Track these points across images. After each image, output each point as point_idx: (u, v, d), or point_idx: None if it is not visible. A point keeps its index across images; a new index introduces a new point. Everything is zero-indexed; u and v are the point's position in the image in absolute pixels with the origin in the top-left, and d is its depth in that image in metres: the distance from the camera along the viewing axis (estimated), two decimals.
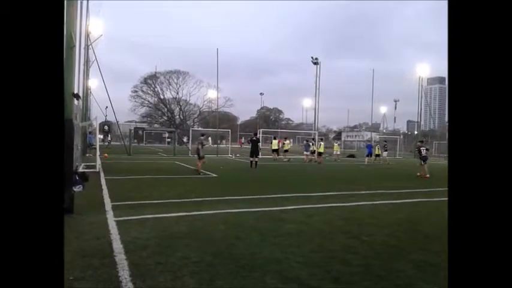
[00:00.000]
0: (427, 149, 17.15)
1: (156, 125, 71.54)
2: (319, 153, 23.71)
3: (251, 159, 17.78)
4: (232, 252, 4.43)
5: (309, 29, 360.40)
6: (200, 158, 14.33)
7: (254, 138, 19.04)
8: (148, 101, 71.70)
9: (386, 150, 27.60)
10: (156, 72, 69.87)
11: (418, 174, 15.92)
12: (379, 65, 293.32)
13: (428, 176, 15.21)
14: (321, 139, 26.65)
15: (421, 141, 19.56)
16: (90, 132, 24.93)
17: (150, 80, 70.30)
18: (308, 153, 24.36)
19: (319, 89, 35.90)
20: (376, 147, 27.87)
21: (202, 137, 15.37)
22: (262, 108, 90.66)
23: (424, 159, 16.03)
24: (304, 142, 26.57)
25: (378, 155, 26.74)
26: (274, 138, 27.05)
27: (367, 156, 25.37)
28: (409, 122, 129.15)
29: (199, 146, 14.60)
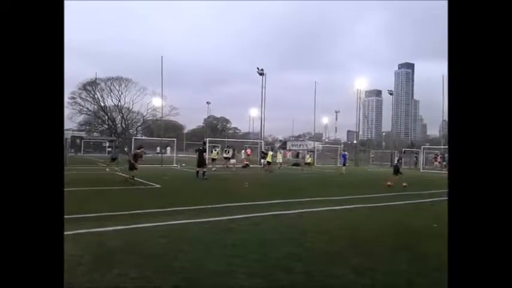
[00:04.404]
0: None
1: (95, 133, 67.56)
2: (226, 158, 26.20)
3: (198, 169, 17.38)
4: (173, 266, 4.26)
5: (263, 40, 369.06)
6: (133, 168, 14.38)
7: (201, 148, 18.75)
8: (88, 108, 67.60)
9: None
10: (96, 79, 66.30)
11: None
12: (326, 77, 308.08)
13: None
14: (228, 146, 28.78)
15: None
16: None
17: (90, 86, 66.42)
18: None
19: (265, 99, 36.51)
20: (308, 156, 29.75)
21: (139, 150, 15.81)
22: (209, 117, 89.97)
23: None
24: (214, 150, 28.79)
25: (308, 163, 28.19)
26: (272, 150, 28.50)
27: (343, 165, 25.09)
28: (348, 132, 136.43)
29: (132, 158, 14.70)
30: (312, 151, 37.60)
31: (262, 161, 27.49)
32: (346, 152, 28.53)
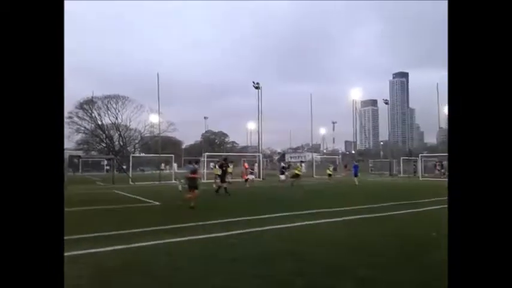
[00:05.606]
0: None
1: (93, 152, 67.38)
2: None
3: (224, 185, 16.88)
4: (173, 283, 4.22)
5: (260, 53, 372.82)
6: (192, 187, 11.82)
7: (223, 162, 18.64)
8: (85, 127, 67.57)
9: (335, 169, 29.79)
10: (93, 97, 66.48)
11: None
12: (322, 88, 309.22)
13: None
14: (231, 161, 28.15)
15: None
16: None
17: (87, 105, 66.55)
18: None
19: (261, 112, 36.69)
20: (330, 167, 30.01)
21: (194, 165, 12.99)
22: (206, 131, 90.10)
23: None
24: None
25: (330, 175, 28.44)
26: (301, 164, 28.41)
27: (355, 176, 24.71)
28: (346, 142, 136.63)
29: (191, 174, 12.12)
30: (333, 162, 37.76)
31: (281, 176, 26.82)
32: (358, 163, 28.58)
